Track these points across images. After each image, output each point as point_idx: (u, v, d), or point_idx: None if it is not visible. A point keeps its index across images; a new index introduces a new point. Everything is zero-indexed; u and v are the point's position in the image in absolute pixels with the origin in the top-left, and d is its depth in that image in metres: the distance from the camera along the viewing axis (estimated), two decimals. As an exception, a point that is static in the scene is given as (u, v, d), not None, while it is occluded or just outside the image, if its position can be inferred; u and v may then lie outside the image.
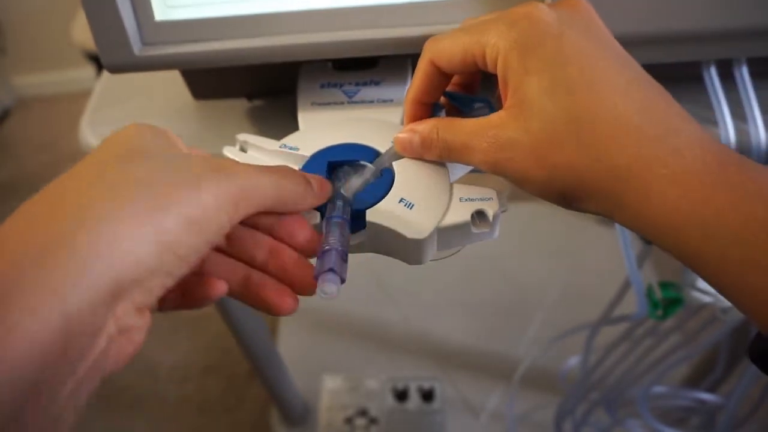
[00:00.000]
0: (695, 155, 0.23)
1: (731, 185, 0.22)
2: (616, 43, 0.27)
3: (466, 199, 0.31)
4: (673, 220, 0.22)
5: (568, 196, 0.26)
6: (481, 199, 0.31)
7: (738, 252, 0.21)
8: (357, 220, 0.30)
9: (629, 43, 0.36)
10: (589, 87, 0.24)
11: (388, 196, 0.31)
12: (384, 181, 0.32)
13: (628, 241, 0.46)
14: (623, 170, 0.23)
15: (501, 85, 0.27)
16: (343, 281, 0.26)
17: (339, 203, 0.30)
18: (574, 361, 0.74)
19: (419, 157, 0.32)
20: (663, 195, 0.23)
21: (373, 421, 0.98)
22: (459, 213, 0.30)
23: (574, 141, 0.24)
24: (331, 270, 0.26)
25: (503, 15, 0.27)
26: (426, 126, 0.31)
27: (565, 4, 0.27)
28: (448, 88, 0.34)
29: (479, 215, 0.31)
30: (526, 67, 0.25)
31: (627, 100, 0.24)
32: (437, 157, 0.31)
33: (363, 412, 0.99)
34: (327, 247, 0.27)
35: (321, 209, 0.30)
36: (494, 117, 0.27)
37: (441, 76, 0.30)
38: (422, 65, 0.30)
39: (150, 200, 0.21)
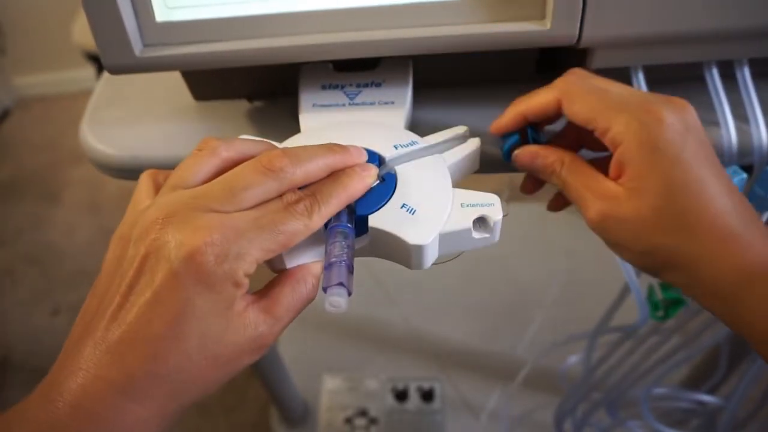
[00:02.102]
0: (762, 256, 0.28)
1: None
2: (713, 150, 0.30)
3: (467, 205, 0.31)
4: (734, 288, 0.28)
5: (656, 269, 0.30)
6: (482, 205, 0.31)
7: None
8: (359, 225, 0.30)
9: (633, 44, 0.36)
10: (700, 193, 0.28)
11: (390, 201, 0.31)
12: (386, 187, 0.32)
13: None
14: (706, 259, 0.29)
15: (615, 164, 0.30)
16: (349, 294, 0.26)
17: (343, 210, 0.30)
18: (574, 360, 0.74)
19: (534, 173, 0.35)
20: (730, 281, 0.28)
21: (373, 421, 0.98)
22: (460, 219, 0.30)
23: (678, 233, 0.29)
24: (340, 284, 0.26)
25: (637, 107, 0.29)
26: (553, 156, 0.33)
27: (675, 106, 0.30)
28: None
29: (480, 221, 0.31)
30: (649, 166, 0.29)
31: (725, 209, 0.28)
32: (553, 184, 0.34)
33: (363, 412, 0.99)
34: (334, 260, 0.27)
35: None
36: (612, 187, 0.30)
37: (555, 113, 0.33)
38: (550, 96, 0.33)
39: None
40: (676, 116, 0.29)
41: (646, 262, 0.30)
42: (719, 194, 0.29)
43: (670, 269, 0.30)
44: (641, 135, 0.29)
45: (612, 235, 0.31)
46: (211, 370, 0.26)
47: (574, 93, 0.32)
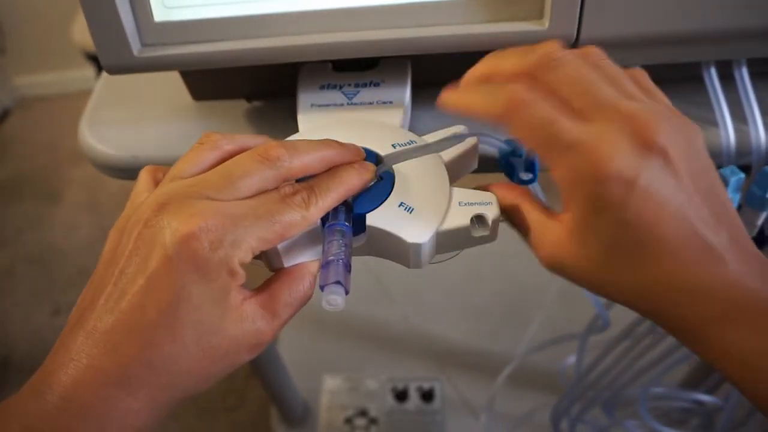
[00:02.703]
0: (723, 306, 0.24)
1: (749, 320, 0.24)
2: (689, 184, 0.25)
3: (465, 204, 0.31)
4: (690, 337, 0.25)
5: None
6: (480, 204, 0.31)
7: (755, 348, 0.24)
8: (357, 224, 0.30)
9: (631, 44, 0.36)
10: (641, 254, 0.25)
11: (388, 200, 0.31)
12: (384, 185, 0.32)
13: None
14: (653, 314, 0.26)
15: (563, 199, 0.27)
16: (347, 292, 0.27)
17: (341, 209, 0.30)
18: (573, 359, 0.74)
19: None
20: (686, 330, 0.25)
21: (373, 421, 0.98)
22: (458, 217, 0.30)
23: (619, 288, 0.27)
24: (337, 282, 0.26)
25: (581, 154, 0.25)
26: (509, 195, 0.31)
27: (634, 135, 0.24)
28: None
29: (479, 219, 0.31)
30: (586, 218, 0.26)
31: (677, 265, 0.25)
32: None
33: (363, 412, 0.99)
34: (331, 258, 0.27)
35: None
36: (556, 229, 0.28)
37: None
38: (492, 111, 0.28)
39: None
40: (627, 158, 0.24)
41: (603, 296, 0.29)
42: (667, 248, 0.24)
43: (626, 304, 0.28)
44: (581, 187, 0.25)
45: (560, 273, 0.29)
46: (208, 362, 0.25)
47: (517, 121, 0.27)
